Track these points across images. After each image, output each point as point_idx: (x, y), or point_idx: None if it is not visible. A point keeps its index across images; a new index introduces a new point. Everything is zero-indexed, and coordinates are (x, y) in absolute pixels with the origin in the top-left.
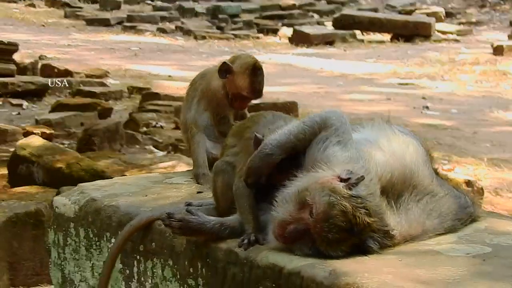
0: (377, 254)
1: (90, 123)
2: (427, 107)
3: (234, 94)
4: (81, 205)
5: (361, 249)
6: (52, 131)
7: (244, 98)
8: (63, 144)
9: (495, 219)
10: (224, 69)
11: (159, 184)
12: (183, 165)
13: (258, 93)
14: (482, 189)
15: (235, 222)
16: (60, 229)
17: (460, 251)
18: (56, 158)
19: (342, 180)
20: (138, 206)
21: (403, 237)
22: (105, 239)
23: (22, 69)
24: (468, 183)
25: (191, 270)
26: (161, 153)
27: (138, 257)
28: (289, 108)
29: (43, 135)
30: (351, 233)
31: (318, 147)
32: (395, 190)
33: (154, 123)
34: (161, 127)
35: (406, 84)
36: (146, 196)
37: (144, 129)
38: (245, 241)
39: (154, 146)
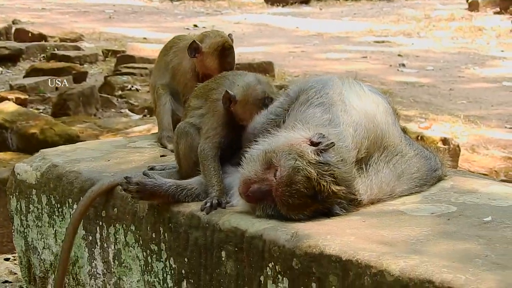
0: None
1: (65, 87)
2: (403, 65)
3: (204, 73)
4: (42, 172)
5: (326, 215)
6: (27, 97)
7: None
8: (38, 109)
9: (461, 178)
10: (193, 48)
11: (122, 148)
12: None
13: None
14: (458, 146)
15: (192, 184)
16: (22, 196)
17: (425, 211)
18: (30, 124)
19: (312, 143)
20: (100, 171)
21: (370, 200)
22: (67, 205)
23: None
24: (445, 140)
25: (153, 235)
26: (136, 116)
27: (100, 223)
28: (265, 69)
29: (17, 101)
30: (314, 199)
31: (300, 108)
32: (367, 152)
33: (129, 86)
34: (137, 90)
35: (382, 41)
36: (109, 161)
37: (120, 92)
38: (208, 204)
39: (129, 110)
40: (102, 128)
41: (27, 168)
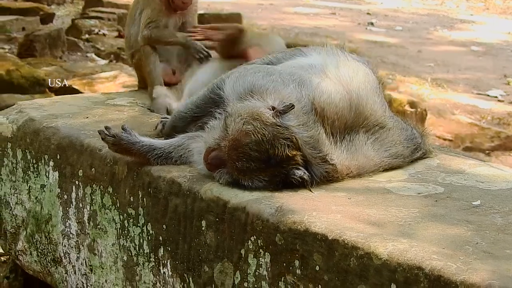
0: (326, 190)
1: (31, 28)
2: (371, 23)
3: None
4: (19, 125)
5: (287, 182)
6: None
7: None
8: (3, 48)
9: (447, 156)
10: None
11: (101, 105)
12: (124, 76)
13: None
14: (425, 110)
15: (165, 145)
16: None
17: (412, 190)
18: None
19: (273, 109)
20: (79, 129)
21: (347, 168)
22: (43, 162)
23: None
24: (412, 103)
25: (131, 199)
26: (103, 62)
27: (77, 182)
28: (233, 20)
29: None
30: (267, 163)
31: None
32: (338, 119)
33: (96, 30)
34: (103, 35)
35: None
36: (87, 118)
37: (86, 36)
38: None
39: (96, 54)
40: (68, 72)
41: (3, 120)
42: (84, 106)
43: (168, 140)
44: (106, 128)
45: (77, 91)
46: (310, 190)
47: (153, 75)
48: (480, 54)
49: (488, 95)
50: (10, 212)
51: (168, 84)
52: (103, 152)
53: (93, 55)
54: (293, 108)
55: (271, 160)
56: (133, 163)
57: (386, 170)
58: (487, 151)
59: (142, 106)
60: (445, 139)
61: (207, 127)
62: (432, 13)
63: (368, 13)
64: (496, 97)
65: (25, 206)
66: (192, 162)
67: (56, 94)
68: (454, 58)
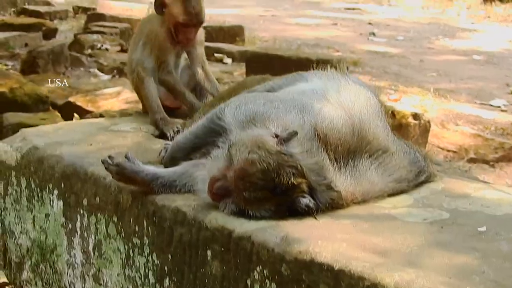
0: (331, 217)
1: (34, 44)
2: (373, 34)
3: (174, 26)
4: (23, 153)
5: (292, 210)
6: None
7: (185, 27)
8: (6, 65)
9: (452, 180)
10: (159, 4)
11: (105, 131)
12: (127, 92)
13: (195, 16)
14: (429, 122)
15: (169, 174)
16: (1, 177)
17: (417, 216)
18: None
19: (276, 136)
20: (83, 156)
21: (351, 194)
22: (47, 190)
23: None
24: (415, 116)
25: (136, 228)
26: (106, 77)
27: (81, 211)
28: (235, 32)
29: None
30: (273, 192)
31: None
32: (342, 144)
33: (99, 45)
34: (106, 49)
35: (353, 9)
36: (91, 145)
37: (89, 51)
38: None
39: (98, 69)
40: (71, 89)
41: (7, 148)
42: (87, 132)
43: (171, 168)
44: (109, 157)
45: (80, 108)
46: (315, 218)
47: (149, 100)
48: (482, 63)
49: (491, 105)
50: (15, 241)
51: (170, 108)
52: (107, 181)
53: (96, 70)
54: (297, 135)
55: (277, 188)
56: (138, 192)
57: (390, 195)
58: (491, 162)
59: (146, 132)
60: (449, 151)
61: (210, 157)
62: (433, 22)
63: (369, 23)
64: (499, 107)
65: (29, 236)
66: (196, 191)
67: (59, 112)
68: (456, 68)
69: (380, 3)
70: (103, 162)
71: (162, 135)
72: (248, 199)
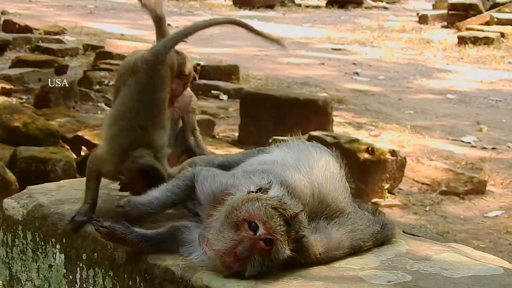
0: (304, 279)
1: (47, 79)
2: (357, 73)
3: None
4: (29, 210)
5: (298, 244)
6: (12, 86)
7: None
8: (21, 99)
9: (416, 242)
10: None
11: (104, 189)
12: None
13: (182, 71)
14: (405, 158)
15: (156, 235)
16: (9, 230)
17: (383, 278)
18: (14, 117)
19: (255, 192)
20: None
21: (317, 246)
22: (50, 244)
23: None
24: (393, 152)
25: (130, 283)
26: None
27: (81, 264)
28: (231, 71)
29: (3, 90)
30: (289, 225)
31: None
32: (305, 204)
33: (106, 81)
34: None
35: (339, 49)
36: None
37: (97, 87)
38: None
39: (106, 104)
40: (80, 123)
41: (15, 204)
42: None
43: (158, 230)
44: (98, 220)
45: (88, 142)
46: None
47: None
48: (455, 101)
49: (462, 141)
50: None
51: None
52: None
53: (103, 105)
54: (273, 183)
55: (289, 221)
56: (131, 251)
57: (351, 252)
58: (461, 195)
59: None
60: (423, 184)
61: (208, 238)
62: (412, 63)
63: (354, 63)
64: (469, 143)
65: (34, 283)
66: (183, 252)
67: (68, 145)
68: (432, 106)
69: (364, 44)
70: (93, 224)
71: None
72: (281, 238)
